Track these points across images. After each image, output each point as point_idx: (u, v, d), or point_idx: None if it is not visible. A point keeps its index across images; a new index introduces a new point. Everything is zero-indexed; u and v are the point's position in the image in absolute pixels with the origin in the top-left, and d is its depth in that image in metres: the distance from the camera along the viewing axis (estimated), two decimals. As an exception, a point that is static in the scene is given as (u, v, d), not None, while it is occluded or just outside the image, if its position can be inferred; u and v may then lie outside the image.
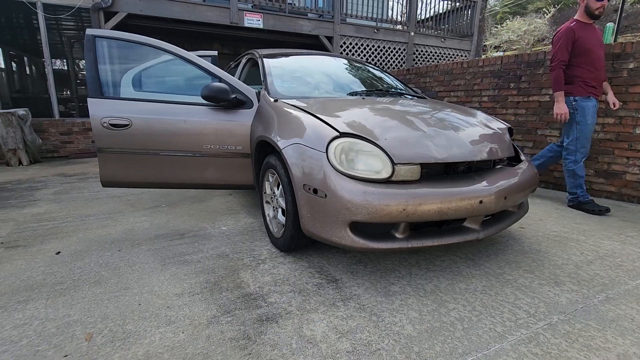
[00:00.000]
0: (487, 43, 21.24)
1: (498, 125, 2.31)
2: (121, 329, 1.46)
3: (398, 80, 3.25)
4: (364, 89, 2.69)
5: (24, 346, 1.35)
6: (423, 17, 9.70)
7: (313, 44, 8.28)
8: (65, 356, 1.30)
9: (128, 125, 2.47)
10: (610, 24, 9.78)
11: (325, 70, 3.05)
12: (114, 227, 2.66)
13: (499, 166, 2.15)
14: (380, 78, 3.15)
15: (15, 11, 5.71)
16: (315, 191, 1.72)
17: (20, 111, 5.40)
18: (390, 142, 1.74)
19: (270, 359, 1.29)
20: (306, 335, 1.41)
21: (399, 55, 9.06)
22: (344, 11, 8.48)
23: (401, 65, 9.08)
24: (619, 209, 3.06)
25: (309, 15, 8.15)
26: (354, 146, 1.71)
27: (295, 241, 2.03)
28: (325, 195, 1.67)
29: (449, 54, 9.75)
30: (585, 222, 2.73)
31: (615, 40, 8.79)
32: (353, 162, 1.69)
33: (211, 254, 2.18)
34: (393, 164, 1.67)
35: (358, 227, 1.69)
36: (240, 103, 2.54)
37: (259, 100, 2.55)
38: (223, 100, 2.42)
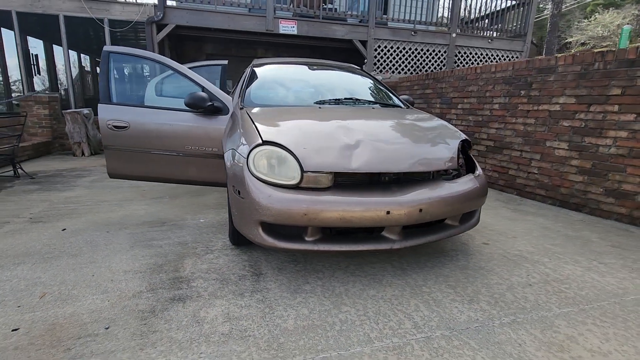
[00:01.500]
0: (571, 39, 19.14)
1: (449, 138, 2.26)
2: (68, 292, 1.83)
3: (387, 89, 3.28)
4: (333, 98, 2.80)
5: (-3, 296, 1.79)
6: (468, 17, 9.21)
7: (347, 48, 8.40)
8: (19, 306, 1.69)
9: (127, 127, 2.91)
10: (627, 27, 8.35)
11: (308, 79, 3.22)
12: (116, 212, 3.15)
13: (449, 177, 2.11)
14: (362, 87, 3.22)
15: (89, 26, 6.79)
16: (239, 192, 1.93)
17: (85, 110, 6.42)
18: (306, 151, 1.87)
19: (156, 329, 1.53)
20: (199, 316, 1.63)
21: (439, 59, 8.74)
22: (380, 15, 8.45)
23: (440, 69, 8.75)
24: (623, 233, 2.74)
25: (349, 20, 8.29)
26: (272, 154, 1.88)
27: (236, 236, 2.26)
28: (243, 196, 1.87)
29: (497, 56, 9.13)
30: (565, 244, 2.52)
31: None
32: (271, 168, 1.86)
33: (174, 242, 2.50)
34: (302, 171, 1.81)
35: (272, 228, 1.86)
36: (218, 110, 2.83)
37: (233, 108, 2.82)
38: (201, 107, 2.74)
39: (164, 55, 7.73)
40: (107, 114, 2.93)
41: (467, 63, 8.93)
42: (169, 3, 7.11)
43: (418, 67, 8.66)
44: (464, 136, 2.34)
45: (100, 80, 3.03)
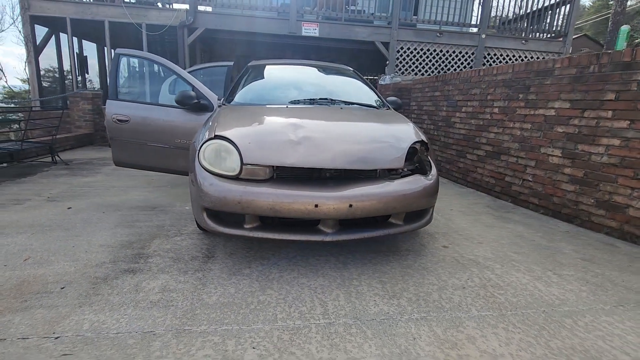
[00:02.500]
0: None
1: (402, 139, 2.27)
2: (47, 257, 2.16)
3: (372, 90, 3.34)
4: (309, 98, 2.92)
5: (-7, 256, 2.16)
6: (501, 17, 8.80)
7: (371, 50, 8.42)
8: (5, 265, 2.04)
9: (127, 121, 3.27)
10: (625, 27, 7.36)
11: (295, 80, 3.38)
12: (119, 197, 3.53)
13: (398, 176, 2.14)
14: (345, 88, 3.31)
15: (129, 31, 7.51)
16: (192, 181, 2.14)
17: (121, 106, 7.11)
18: (250, 146, 2.03)
19: (100, 293, 1.78)
20: (139, 286, 1.86)
21: (466, 61, 8.46)
22: (410, 16, 8.36)
23: (467, 71, 8.45)
24: (604, 247, 2.57)
25: (374, 22, 8.32)
26: (220, 147, 2.07)
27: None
28: (194, 184, 2.08)
29: (531, 59, 8.62)
30: (529, 253, 2.43)
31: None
32: (216, 159, 2.05)
33: (154, 224, 2.78)
34: (242, 164, 1.97)
35: (216, 214, 2.05)
36: (204, 107, 3.09)
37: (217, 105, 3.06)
38: (188, 104, 3.01)
39: (195, 56, 8.29)
40: (113, 108, 3.31)
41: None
42: (200, 8, 7.64)
43: (443, 69, 8.44)
44: (421, 138, 2.35)
45: (109, 79, 3.43)
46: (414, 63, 8.32)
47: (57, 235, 2.51)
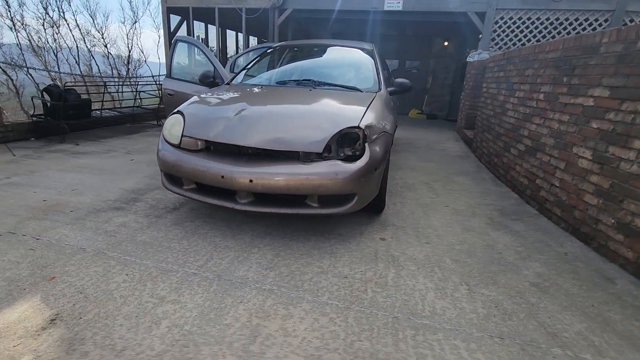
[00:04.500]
0: None
1: (334, 125, 2.24)
2: (84, 191, 3.06)
3: (375, 72, 3.23)
4: (297, 79, 3.06)
5: None
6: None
7: (461, 23, 7.47)
8: (59, 192, 3.02)
9: (173, 94, 4.07)
10: None
11: (302, 61, 3.54)
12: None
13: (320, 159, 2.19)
14: (342, 70, 3.30)
15: (234, 14, 8.65)
16: (162, 146, 2.67)
17: (219, 82, 8.42)
18: (195, 121, 2.41)
19: (85, 218, 2.51)
20: (110, 220, 2.52)
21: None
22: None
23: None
24: (595, 282, 2.01)
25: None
26: (175, 120, 2.50)
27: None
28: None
29: None
30: (470, 265, 2.12)
31: None
32: (171, 130, 2.50)
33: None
34: (182, 135, 2.37)
35: (170, 176, 2.53)
36: (217, 85, 3.60)
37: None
38: (205, 82, 3.57)
39: (286, 36, 8.97)
40: (166, 84, 4.16)
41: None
42: (291, -11, 8.13)
43: (557, 42, 6.84)
44: (357, 124, 2.27)
45: (167, 60, 4.28)
46: (516, 36, 7.00)
47: (106, 177, 3.47)
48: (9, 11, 11.40)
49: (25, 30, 11.80)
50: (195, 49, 4.40)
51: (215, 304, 1.66)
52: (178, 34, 9.59)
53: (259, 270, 1.97)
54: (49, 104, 4.76)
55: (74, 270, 1.88)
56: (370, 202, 2.42)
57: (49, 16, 12.14)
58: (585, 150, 2.53)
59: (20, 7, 13.42)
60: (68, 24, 12.60)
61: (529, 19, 6.84)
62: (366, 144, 2.29)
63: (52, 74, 11.08)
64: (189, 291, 1.76)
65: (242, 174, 2.10)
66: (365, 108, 2.50)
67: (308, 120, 2.33)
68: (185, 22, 9.56)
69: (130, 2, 37.46)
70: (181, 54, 4.65)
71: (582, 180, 2.54)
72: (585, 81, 2.59)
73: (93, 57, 12.89)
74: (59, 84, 5.07)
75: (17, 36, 11.68)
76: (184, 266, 1.97)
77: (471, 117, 6.75)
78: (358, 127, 2.27)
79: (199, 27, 10.10)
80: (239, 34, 13.08)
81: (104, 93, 5.96)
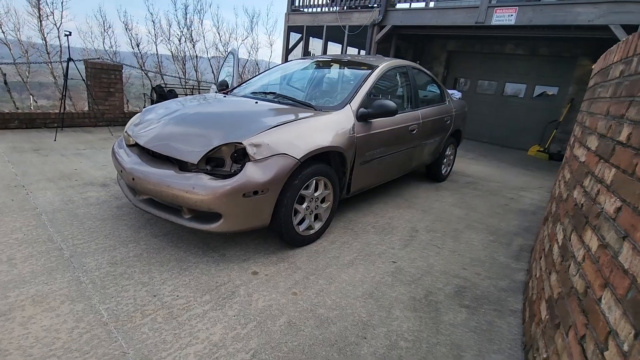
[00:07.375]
0: None
1: (220, 139, 2.15)
2: (110, 168, 3.82)
3: (355, 93, 2.87)
4: (263, 91, 3.01)
5: None
6: None
7: (594, 40, 5.62)
8: (104, 165, 3.87)
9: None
10: None
11: (298, 76, 3.47)
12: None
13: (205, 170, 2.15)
14: (327, 87, 3.06)
15: (338, 31, 8.99)
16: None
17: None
18: (139, 119, 2.71)
19: (75, 186, 3.15)
20: (87, 193, 3.08)
21: None
22: None
23: None
24: None
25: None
26: (134, 120, 2.85)
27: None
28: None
29: None
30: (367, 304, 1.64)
31: None
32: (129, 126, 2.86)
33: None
34: (129, 137, 2.68)
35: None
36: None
37: (232, 92, 3.75)
38: (222, 91, 3.91)
39: (387, 51, 8.76)
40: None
41: None
42: (398, 6, 7.89)
43: None
44: (240, 140, 2.10)
45: (221, 70, 4.85)
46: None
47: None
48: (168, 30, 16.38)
49: (169, 45, 16.37)
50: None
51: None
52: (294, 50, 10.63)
53: (102, 261, 2.07)
54: (153, 100, 6.13)
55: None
56: (282, 231, 2.29)
57: (189, 32, 16.99)
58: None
59: (169, 26, 22.19)
60: (204, 38, 17.49)
61: None
62: (248, 164, 2.09)
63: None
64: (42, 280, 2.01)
65: (129, 171, 2.25)
66: (275, 125, 2.27)
67: (206, 131, 2.29)
68: (303, 39, 10.53)
69: (251, 20, 41.23)
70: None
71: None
72: None
73: (211, 66, 16.28)
74: (162, 85, 6.48)
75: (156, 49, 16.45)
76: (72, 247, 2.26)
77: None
78: (240, 143, 2.10)
79: (310, 42, 10.92)
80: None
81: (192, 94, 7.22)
